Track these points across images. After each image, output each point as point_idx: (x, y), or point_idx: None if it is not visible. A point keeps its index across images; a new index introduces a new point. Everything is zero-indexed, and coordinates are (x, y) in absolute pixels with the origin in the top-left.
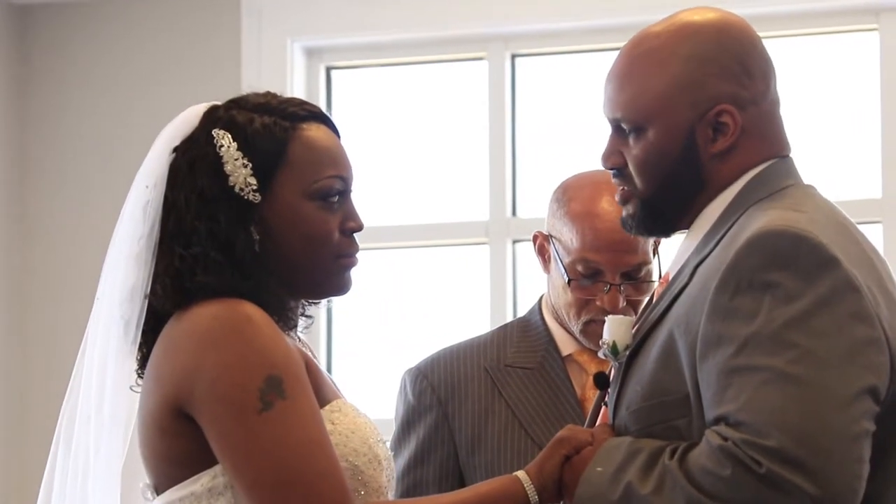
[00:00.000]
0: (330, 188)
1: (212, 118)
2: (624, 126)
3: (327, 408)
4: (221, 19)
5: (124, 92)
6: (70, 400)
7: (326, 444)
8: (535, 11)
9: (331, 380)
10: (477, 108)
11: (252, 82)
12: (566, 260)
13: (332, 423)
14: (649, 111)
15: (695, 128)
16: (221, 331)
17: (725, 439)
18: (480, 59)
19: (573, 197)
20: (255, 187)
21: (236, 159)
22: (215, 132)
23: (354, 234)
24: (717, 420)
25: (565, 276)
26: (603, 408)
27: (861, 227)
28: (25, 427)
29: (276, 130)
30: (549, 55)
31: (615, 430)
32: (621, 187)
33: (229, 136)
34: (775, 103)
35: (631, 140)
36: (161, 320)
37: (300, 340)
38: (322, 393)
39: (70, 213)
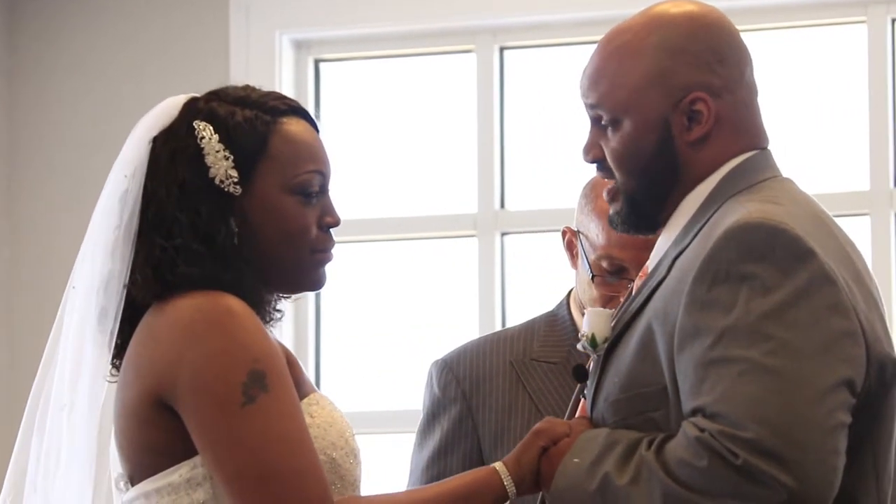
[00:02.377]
0: (309, 183)
1: (192, 110)
2: (602, 118)
3: (306, 401)
4: (209, 12)
5: (112, 84)
6: (44, 389)
7: (307, 439)
8: (523, 4)
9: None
10: (465, 100)
11: (240, 75)
12: (592, 256)
13: (311, 416)
14: (624, 103)
15: (669, 117)
16: (204, 323)
17: (702, 430)
18: (469, 51)
19: (600, 193)
20: (235, 180)
21: (217, 151)
22: (196, 124)
23: (331, 230)
24: (694, 411)
25: (589, 272)
26: (581, 400)
27: (849, 220)
28: (13, 419)
29: (258, 124)
30: (537, 48)
31: (594, 422)
32: (611, 183)
33: (211, 127)
34: (752, 92)
35: (609, 133)
36: (138, 310)
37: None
38: (301, 387)
39: (57, 206)
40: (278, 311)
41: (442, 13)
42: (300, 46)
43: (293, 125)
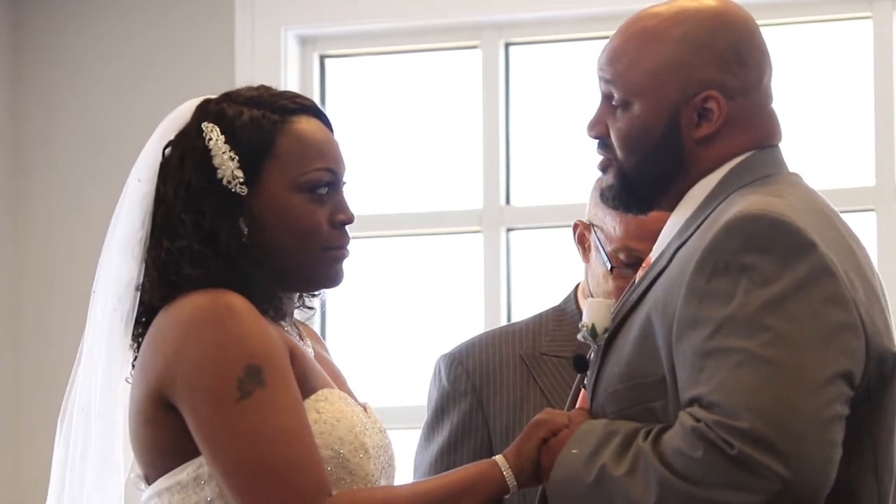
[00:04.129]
0: (318, 180)
1: (203, 112)
2: (613, 96)
3: (312, 397)
4: (214, 8)
5: (117, 82)
6: (71, 392)
7: (305, 434)
8: (528, 0)
9: (335, 368)
10: (471, 96)
11: (245, 71)
12: (608, 248)
13: (318, 412)
14: (638, 86)
15: (680, 110)
16: (203, 320)
17: (698, 421)
18: (474, 47)
19: None
20: (241, 180)
21: (224, 152)
22: (204, 125)
23: (345, 227)
24: (691, 402)
25: (608, 263)
26: (581, 391)
27: (855, 216)
28: (20, 420)
29: (265, 123)
30: (542, 43)
31: (594, 412)
32: (603, 156)
33: (218, 129)
34: (767, 97)
35: (618, 112)
36: (153, 313)
37: (298, 329)
38: (309, 382)
39: (63, 205)
40: (309, 307)
41: (447, 9)
42: (305, 42)
43: (303, 123)
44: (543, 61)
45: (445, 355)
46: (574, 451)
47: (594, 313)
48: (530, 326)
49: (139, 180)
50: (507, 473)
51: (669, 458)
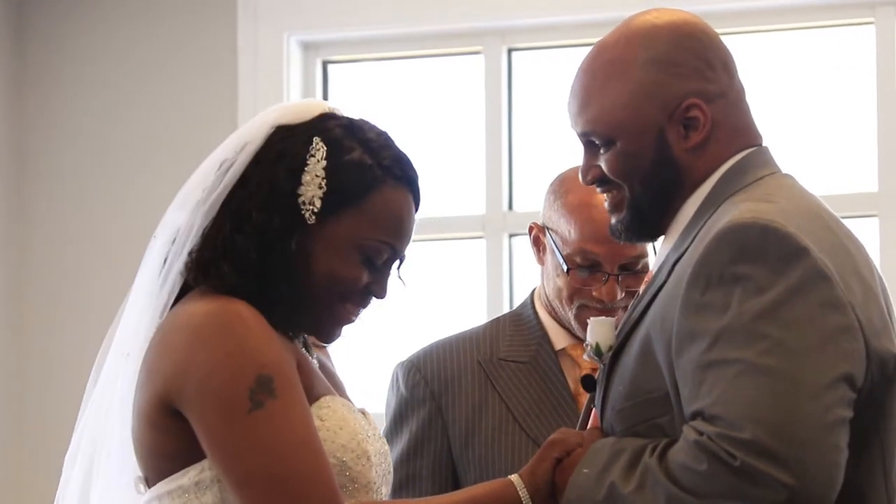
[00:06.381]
0: (379, 252)
1: (322, 124)
2: (595, 141)
3: (316, 404)
4: (218, 13)
5: (121, 86)
6: (114, 335)
7: (316, 444)
8: (530, 5)
9: (337, 378)
10: (473, 102)
11: (249, 77)
12: (564, 251)
13: (321, 420)
14: (618, 122)
15: (665, 128)
16: (213, 328)
17: (701, 434)
18: (476, 53)
19: (570, 188)
20: (315, 209)
21: (316, 175)
22: (316, 140)
23: (371, 300)
24: (694, 415)
25: (564, 265)
26: (593, 410)
27: (857, 222)
28: (23, 421)
29: (367, 174)
30: (545, 49)
31: (604, 431)
32: (610, 194)
33: (325, 151)
34: (741, 92)
35: (603, 152)
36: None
37: (304, 338)
38: (313, 389)
39: (67, 208)
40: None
41: (450, 15)
42: (308, 48)
43: (397, 193)
44: (546, 67)
45: (403, 363)
46: (585, 470)
47: (597, 332)
48: (487, 332)
49: (236, 151)
50: (523, 493)
51: (675, 472)
